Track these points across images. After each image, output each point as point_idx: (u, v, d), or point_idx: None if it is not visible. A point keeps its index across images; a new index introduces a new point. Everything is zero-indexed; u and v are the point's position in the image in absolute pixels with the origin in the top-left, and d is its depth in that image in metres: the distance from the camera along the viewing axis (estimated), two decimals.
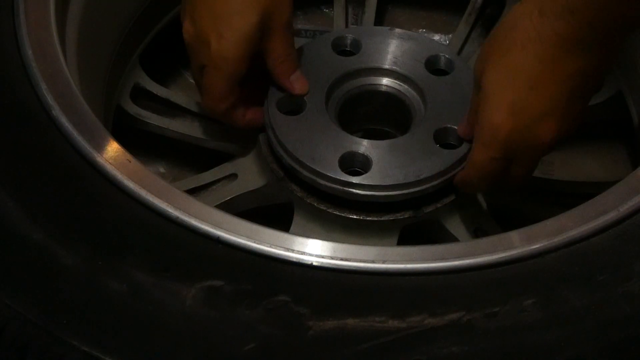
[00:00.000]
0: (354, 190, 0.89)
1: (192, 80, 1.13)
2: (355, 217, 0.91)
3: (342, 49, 0.99)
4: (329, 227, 0.91)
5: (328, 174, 0.89)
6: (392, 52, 0.98)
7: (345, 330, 0.68)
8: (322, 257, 0.73)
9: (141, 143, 1.02)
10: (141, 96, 1.04)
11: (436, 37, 1.15)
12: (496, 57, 0.81)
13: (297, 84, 0.94)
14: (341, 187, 0.89)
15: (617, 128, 1.05)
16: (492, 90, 0.81)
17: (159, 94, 1.04)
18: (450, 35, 1.14)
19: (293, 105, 0.94)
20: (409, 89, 0.97)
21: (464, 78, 0.94)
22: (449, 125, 0.91)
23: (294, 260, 0.72)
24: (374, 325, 0.68)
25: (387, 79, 0.98)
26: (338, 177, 0.89)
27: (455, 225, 0.92)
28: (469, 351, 0.67)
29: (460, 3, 1.14)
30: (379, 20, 1.18)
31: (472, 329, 0.68)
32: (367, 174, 0.89)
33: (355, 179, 0.89)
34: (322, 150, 0.90)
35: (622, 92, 1.03)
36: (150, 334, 0.68)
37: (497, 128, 0.81)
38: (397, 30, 1.00)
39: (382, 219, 0.90)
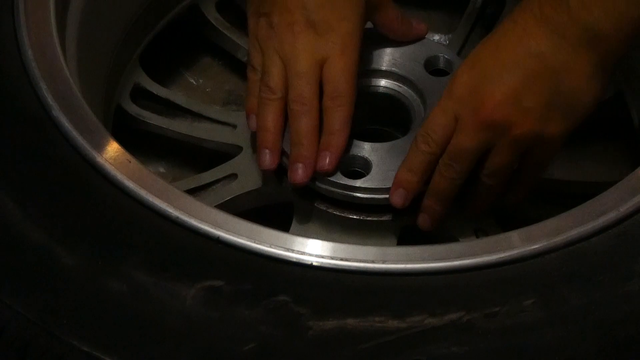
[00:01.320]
0: (355, 194, 0.89)
1: (192, 81, 1.13)
2: (355, 217, 0.91)
3: None
4: (329, 227, 0.91)
5: (328, 178, 0.89)
6: (391, 53, 0.98)
7: (345, 330, 0.68)
8: (322, 257, 0.73)
9: (141, 143, 1.02)
10: (141, 96, 1.04)
11: (436, 37, 1.15)
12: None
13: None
14: (341, 191, 0.89)
15: (617, 128, 1.05)
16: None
17: (159, 94, 1.04)
18: (450, 35, 1.14)
19: None
20: (409, 90, 0.97)
21: None
22: None
23: (294, 260, 0.72)
24: (374, 325, 0.68)
25: (386, 80, 0.98)
26: (338, 181, 0.89)
27: (455, 225, 0.92)
28: (469, 351, 0.67)
29: (460, 3, 1.14)
30: None
31: (472, 329, 0.68)
32: (367, 177, 0.89)
33: (355, 182, 0.89)
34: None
35: (622, 92, 1.03)
36: (150, 334, 0.68)
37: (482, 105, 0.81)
38: None
39: (382, 219, 0.90)
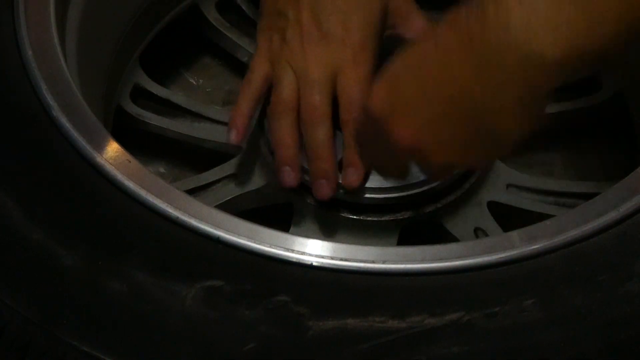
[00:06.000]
0: (354, 194, 0.89)
1: (192, 81, 1.13)
2: (355, 217, 0.91)
3: None
4: (328, 227, 0.91)
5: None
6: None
7: (345, 330, 0.68)
8: (322, 257, 0.73)
9: (141, 143, 1.02)
10: (141, 96, 1.04)
11: None
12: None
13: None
14: (341, 191, 0.89)
15: (617, 128, 1.05)
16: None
17: (159, 94, 1.04)
18: None
19: None
20: None
21: None
22: None
23: (294, 260, 0.72)
24: (374, 326, 0.68)
25: None
26: (338, 181, 0.89)
27: (455, 225, 0.92)
28: (469, 351, 0.67)
29: (460, 3, 1.14)
30: None
31: (472, 329, 0.68)
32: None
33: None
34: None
35: (622, 92, 1.03)
36: (150, 334, 0.68)
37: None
38: None
39: (382, 219, 0.90)
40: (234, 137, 0.89)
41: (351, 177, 0.87)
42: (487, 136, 0.68)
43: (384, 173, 0.85)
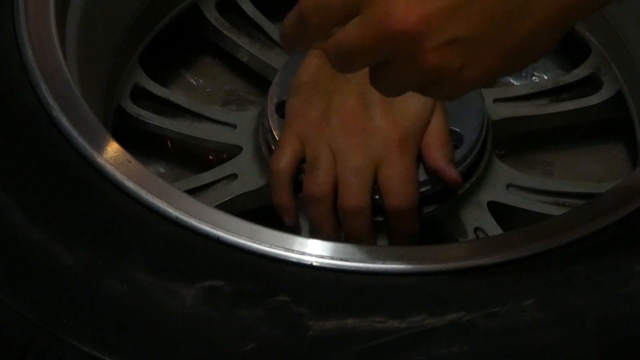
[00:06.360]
0: None
1: (192, 81, 1.13)
2: None
3: None
4: None
5: None
6: None
7: (345, 330, 0.68)
8: (322, 257, 0.73)
9: (141, 143, 1.02)
10: (141, 96, 1.04)
11: None
12: None
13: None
14: None
15: (617, 128, 1.05)
16: None
17: (159, 94, 1.04)
18: None
19: None
20: None
21: None
22: (449, 127, 0.91)
23: (294, 260, 0.72)
24: (374, 326, 0.68)
25: None
26: None
27: (455, 225, 0.92)
28: (469, 351, 0.67)
29: None
30: None
31: (472, 329, 0.68)
32: None
33: None
34: None
35: (622, 92, 1.03)
36: (150, 334, 0.68)
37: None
38: None
39: (382, 219, 0.90)
40: (288, 221, 0.89)
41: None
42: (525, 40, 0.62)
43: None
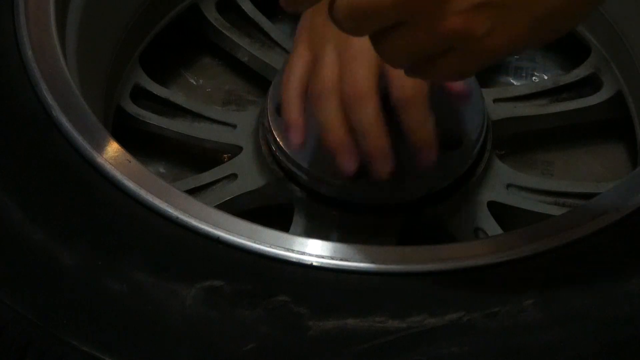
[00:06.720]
0: (355, 194, 0.89)
1: (192, 81, 1.13)
2: (355, 217, 0.91)
3: None
4: (329, 227, 0.91)
5: (327, 179, 0.89)
6: None
7: (345, 330, 0.68)
8: (322, 257, 0.73)
9: (141, 143, 1.02)
10: (141, 96, 1.04)
11: None
12: None
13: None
14: (341, 192, 0.89)
15: (617, 128, 1.05)
16: None
17: (159, 94, 1.04)
18: None
19: None
20: None
21: None
22: (448, 127, 0.91)
23: (294, 260, 0.72)
24: (374, 326, 0.68)
25: None
26: (337, 182, 0.89)
27: (455, 225, 0.92)
28: (469, 351, 0.67)
29: None
30: None
31: (472, 329, 0.68)
32: (366, 178, 0.89)
33: (354, 184, 0.89)
34: (322, 154, 0.90)
35: (622, 92, 1.03)
36: (150, 334, 0.68)
37: None
38: None
39: (382, 219, 0.90)
40: (294, 139, 0.84)
41: (425, 154, 0.80)
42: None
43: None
